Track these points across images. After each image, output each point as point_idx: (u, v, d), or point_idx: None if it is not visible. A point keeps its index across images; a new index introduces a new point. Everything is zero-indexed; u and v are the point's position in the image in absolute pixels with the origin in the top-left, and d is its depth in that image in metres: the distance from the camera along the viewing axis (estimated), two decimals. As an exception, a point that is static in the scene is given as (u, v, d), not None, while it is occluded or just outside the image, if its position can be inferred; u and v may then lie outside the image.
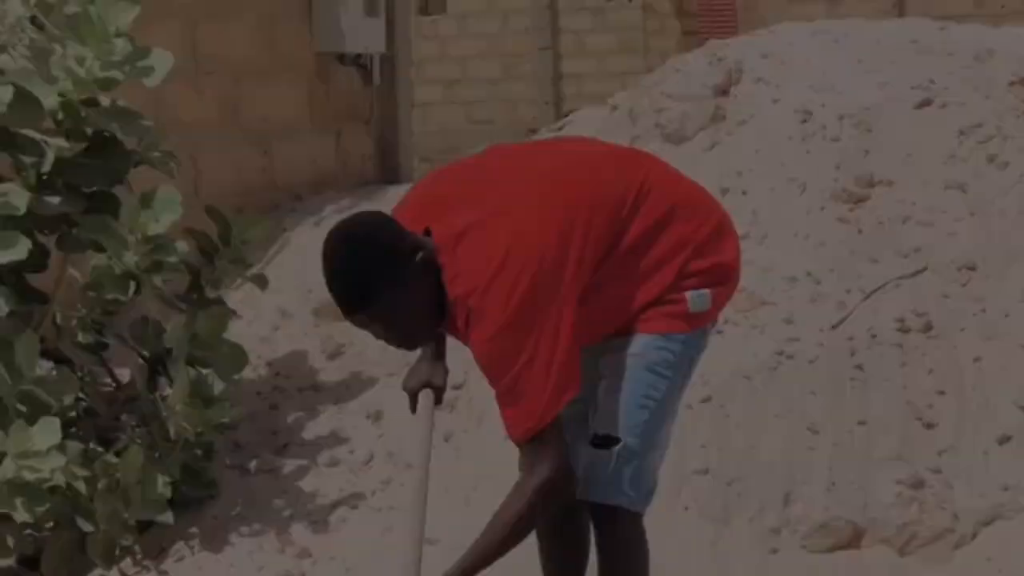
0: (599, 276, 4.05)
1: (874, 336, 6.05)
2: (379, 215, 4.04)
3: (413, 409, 4.51)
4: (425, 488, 4.27)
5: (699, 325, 4.23)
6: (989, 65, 7.33)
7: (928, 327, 6.06)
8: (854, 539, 5.54)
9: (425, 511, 4.18)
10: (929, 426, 5.77)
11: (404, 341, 4.11)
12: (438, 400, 4.55)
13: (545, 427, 3.93)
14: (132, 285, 5.87)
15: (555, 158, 4.34)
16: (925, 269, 6.30)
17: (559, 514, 4.31)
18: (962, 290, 6.19)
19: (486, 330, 3.89)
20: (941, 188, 6.63)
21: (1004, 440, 5.68)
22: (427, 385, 4.51)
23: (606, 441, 4.15)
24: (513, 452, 5.91)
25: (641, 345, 4.14)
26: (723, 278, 4.26)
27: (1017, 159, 6.68)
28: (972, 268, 6.26)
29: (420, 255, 3.91)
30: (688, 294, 4.15)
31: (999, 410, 5.76)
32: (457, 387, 6.44)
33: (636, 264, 4.12)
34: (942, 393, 5.85)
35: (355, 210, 7.83)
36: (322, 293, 7.14)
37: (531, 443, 3.98)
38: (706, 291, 4.18)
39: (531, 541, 4.30)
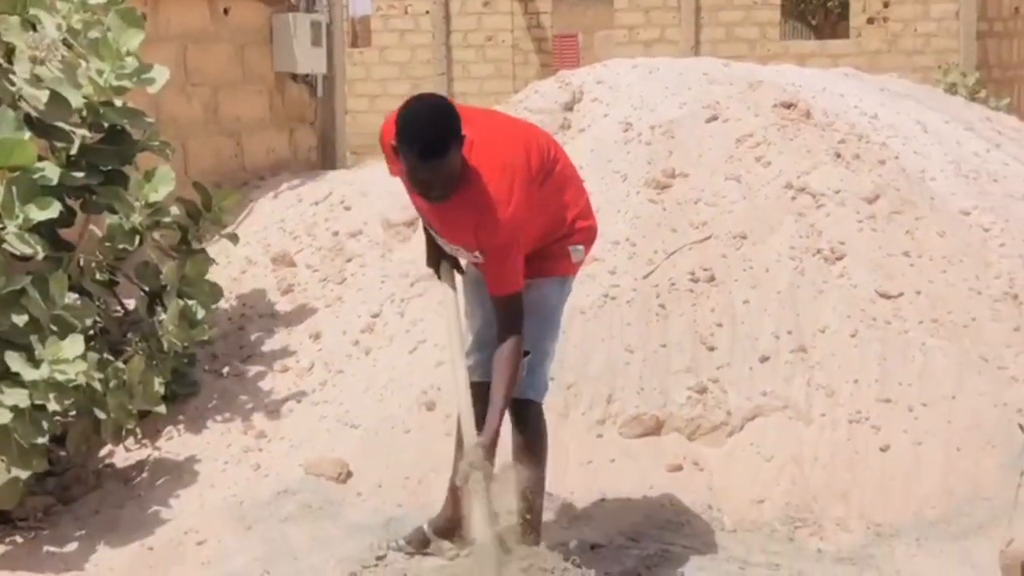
0: (537, 197, 4.10)
1: (673, 284, 6.06)
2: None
3: (439, 276, 4.40)
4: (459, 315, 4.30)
5: (575, 271, 4.37)
6: (759, 92, 7.34)
7: (712, 278, 6.07)
8: (656, 428, 5.56)
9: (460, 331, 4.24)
10: (711, 349, 5.79)
11: (441, 191, 3.91)
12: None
13: (518, 291, 4.00)
14: (137, 238, 5.80)
15: (507, 116, 4.60)
16: (710, 237, 6.30)
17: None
18: (736, 252, 6.20)
19: (498, 221, 3.90)
20: (723, 179, 6.63)
21: (764, 359, 5.71)
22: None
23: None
24: (414, 364, 5.90)
25: (538, 288, 4.21)
26: (591, 239, 4.39)
27: (777, 160, 6.70)
28: (744, 237, 6.27)
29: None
30: (570, 248, 4.26)
31: (761, 338, 5.79)
32: (375, 316, 6.39)
33: (550, 204, 4.18)
34: (720, 326, 5.87)
35: (304, 188, 7.85)
36: (277, 247, 7.12)
37: (508, 300, 4.00)
38: (581, 247, 4.31)
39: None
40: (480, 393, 4.20)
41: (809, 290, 5.98)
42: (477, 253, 4.07)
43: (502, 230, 3.92)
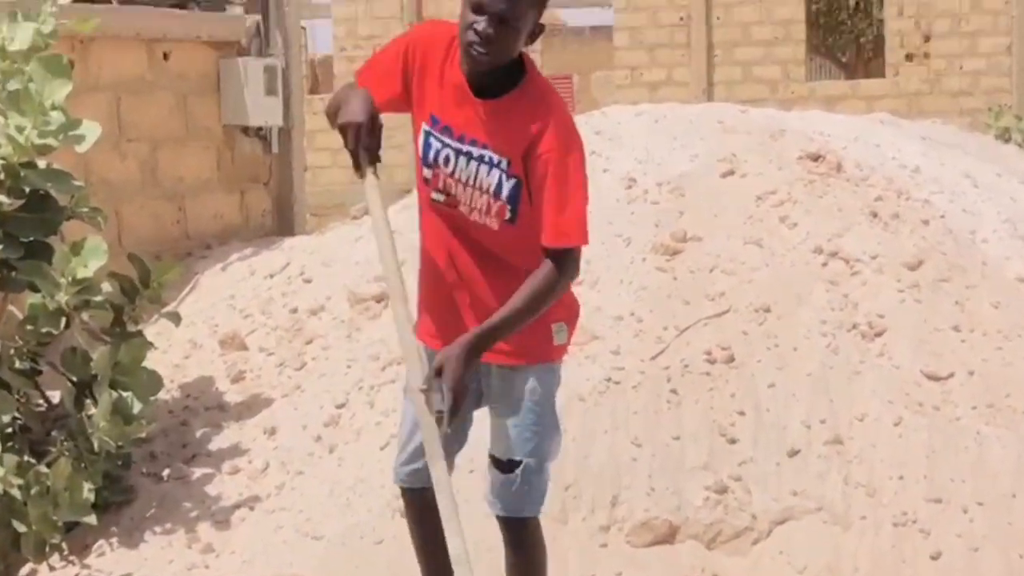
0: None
1: (686, 366, 6.05)
2: None
3: (356, 166, 3.94)
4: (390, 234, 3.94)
5: (561, 355, 4.14)
6: (781, 142, 7.40)
7: (731, 359, 6.06)
8: (670, 535, 5.52)
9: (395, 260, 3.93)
10: (732, 441, 5.77)
11: (499, 46, 3.74)
12: (376, 148, 3.98)
13: (580, 247, 3.81)
14: (63, 320, 5.80)
15: None
16: (728, 310, 6.30)
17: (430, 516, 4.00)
18: (759, 328, 6.20)
19: (560, 136, 3.78)
20: (742, 243, 6.66)
21: (793, 453, 5.69)
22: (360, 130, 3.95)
23: (511, 465, 4.10)
24: (386, 462, 5.87)
25: (527, 380, 4.04)
26: (574, 317, 4.18)
27: (804, 220, 6.74)
28: (767, 310, 6.28)
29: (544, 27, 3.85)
30: (552, 326, 4.02)
31: (789, 428, 5.78)
32: (340, 406, 6.37)
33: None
34: (742, 414, 5.85)
35: (257, 258, 7.86)
36: (226, 328, 7.11)
37: (568, 253, 3.80)
38: (564, 326, 4.08)
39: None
40: (428, 501, 3.95)
41: (844, 371, 5.98)
42: (506, 197, 3.85)
43: (573, 139, 3.81)
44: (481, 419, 4.18)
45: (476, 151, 3.90)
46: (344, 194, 19.00)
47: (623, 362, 6.08)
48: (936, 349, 6.08)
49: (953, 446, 5.66)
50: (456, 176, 3.95)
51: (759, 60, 18.12)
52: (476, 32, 3.75)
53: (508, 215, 3.89)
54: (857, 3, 25.10)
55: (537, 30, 3.83)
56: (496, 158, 3.87)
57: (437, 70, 3.96)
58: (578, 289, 6.41)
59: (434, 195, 4.01)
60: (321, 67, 23.52)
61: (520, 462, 4.09)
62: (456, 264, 4.03)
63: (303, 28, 23.14)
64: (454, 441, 4.09)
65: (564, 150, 3.78)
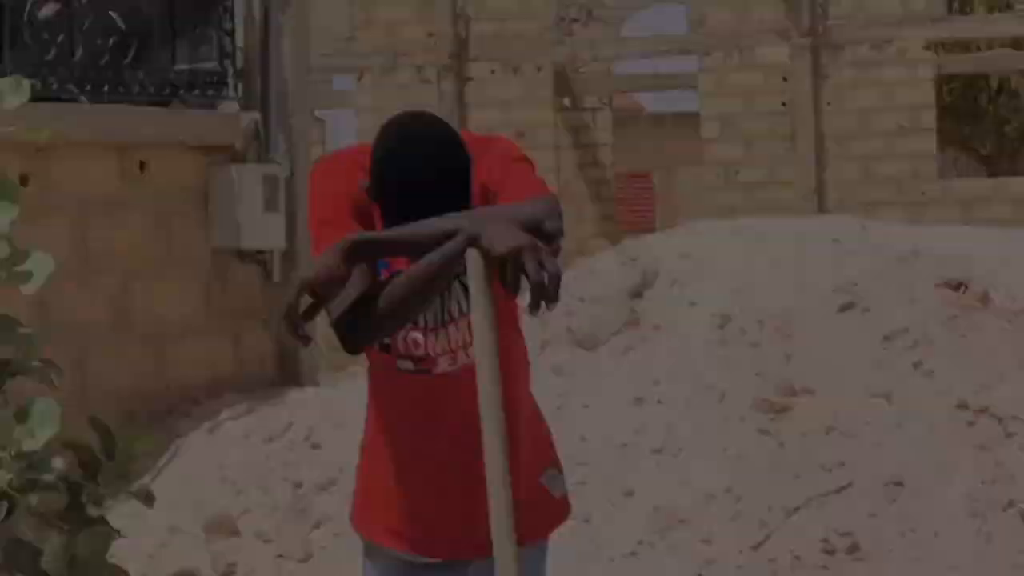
0: None
1: (797, 558, 6.02)
2: None
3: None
4: None
5: (563, 519, 3.85)
6: (913, 267, 7.38)
7: (854, 548, 6.03)
8: None
9: None
10: (858, 657, 5.67)
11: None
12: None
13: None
14: (4, 506, 5.69)
15: None
16: (850, 485, 6.28)
17: None
18: (890, 508, 6.17)
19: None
20: (866, 397, 6.65)
21: (938, 672, 5.58)
22: None
23: None
24: None
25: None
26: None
27: (945, 367, 6.71)
28: (900, 484, 6.25)
29: None
30: (546, 473, 3.76)
31: (932, 640, 5.68)
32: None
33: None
34: (871, 621, 5.76)
35: (254, 417, 7.77)
36: (213, 508, 7.03)
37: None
38: (560, 475, 3.81)
39: None
40: None
41: (1000, 564, 5.92)
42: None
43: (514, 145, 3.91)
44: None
45: None
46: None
47: (716, 553, 6.06)
48: (1118, 534, 5.97)
49: None
50: (424, 324, 3.76)
51: (880, 154, 18.10)
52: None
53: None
54: (1000, 85, 25.17)
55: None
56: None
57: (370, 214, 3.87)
58: (656, 458, 6.39)
59: (400, 364, 3.79)
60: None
61: None
62: (455, 441, 3.68)
63: (321, 121, 23.48)
64: None
65: (515, 155, 3.80)
